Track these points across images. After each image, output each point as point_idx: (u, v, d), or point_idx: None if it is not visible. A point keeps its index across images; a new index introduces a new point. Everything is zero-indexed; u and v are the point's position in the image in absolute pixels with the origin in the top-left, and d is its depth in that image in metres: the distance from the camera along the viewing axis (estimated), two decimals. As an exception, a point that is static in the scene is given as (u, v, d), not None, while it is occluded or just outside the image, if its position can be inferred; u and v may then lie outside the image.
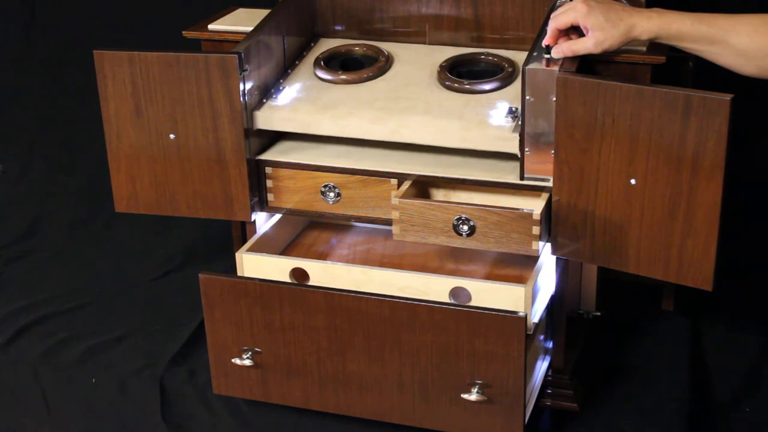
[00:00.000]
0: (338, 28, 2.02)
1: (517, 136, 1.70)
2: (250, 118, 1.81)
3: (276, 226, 1.97)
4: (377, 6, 1.98)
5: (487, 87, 1.82)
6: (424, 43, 1.98)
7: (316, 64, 1.94)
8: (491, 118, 1.75)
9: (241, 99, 1.76)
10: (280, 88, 1.89)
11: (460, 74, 1.87)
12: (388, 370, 1.67)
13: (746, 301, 2.16)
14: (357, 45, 1.99)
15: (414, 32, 1.98)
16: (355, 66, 1.95)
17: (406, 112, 1.80)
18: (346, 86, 1.89)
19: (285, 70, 1.94)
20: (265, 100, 1.86)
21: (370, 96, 1.85)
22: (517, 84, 1.81)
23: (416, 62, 1.93)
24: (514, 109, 1.74)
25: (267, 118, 1.83)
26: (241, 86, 1.76)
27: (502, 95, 1.81)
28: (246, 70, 1.77)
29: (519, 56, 1.87)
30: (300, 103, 1.85)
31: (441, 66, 1.88)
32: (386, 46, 1.97)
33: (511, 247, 1.68)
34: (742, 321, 2.10)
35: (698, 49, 1.63)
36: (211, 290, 1.73)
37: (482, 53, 1.92)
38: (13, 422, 2.02)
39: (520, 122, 1.69)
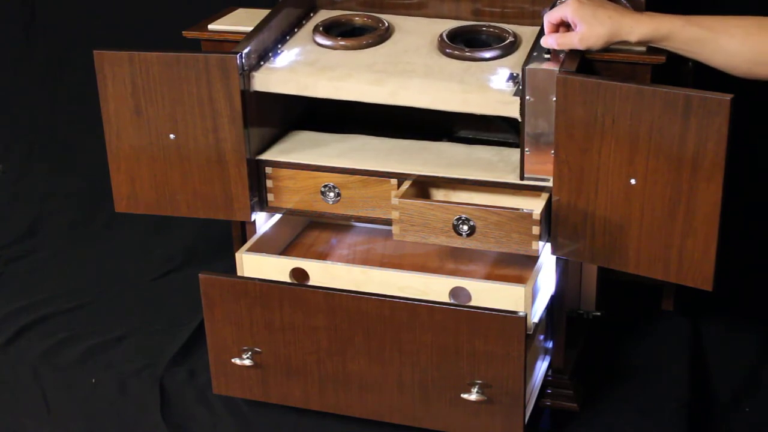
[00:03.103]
0: None
1: (517, 99, 1.68)
2: (248, 81, 1.80)
3: (276, 226, 1.97)
4: None
5: (487, 55, 1.80)
6: (425, 17, 1.98)
7: (316, 30, 1.93)
8: (492, 82, 1.74)
9: (239, 62, 1.75)
10: (279, 51, 1.88)
11: (461, 43, 1.86)
12: (388, 370, 1.67)
13: (746, 301, 2.16)
14: (357, 15, 1.98)
15: (415, 5, 1.97)
16: (355, 34, 1.94)
17: (406, 75, 1.78)
18: (345, 51, 1.88)
19: (284, 37, 1.93)
20: (263, 63, 1.85)
21: (369, 60, 1.84)
22: (518, 54, 1.80)
23: (416, 32, 1.92)
24: (515, 74, 1.73)
25: (264, 80, 1.81)
26: (239, 53, 1.75)
27: (502, 63, 1.79)
28: (246, 70, 1.77)
29: (520, 30, 1.87)
30: (298, 66, 1.84)
31: (441, 35, 1.87)
32: (386, 18, 1.96)
33: (511, 247, 1.68)
34: (742, 321, 2.10)
35: (690, 51, 1.63)
36: (211, 290, 1.73)
37: (483, 25, 1.91)
38: (13, 422, 2.02)
39: (521, 87, 1.68)
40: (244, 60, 1.77)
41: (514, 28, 1.88)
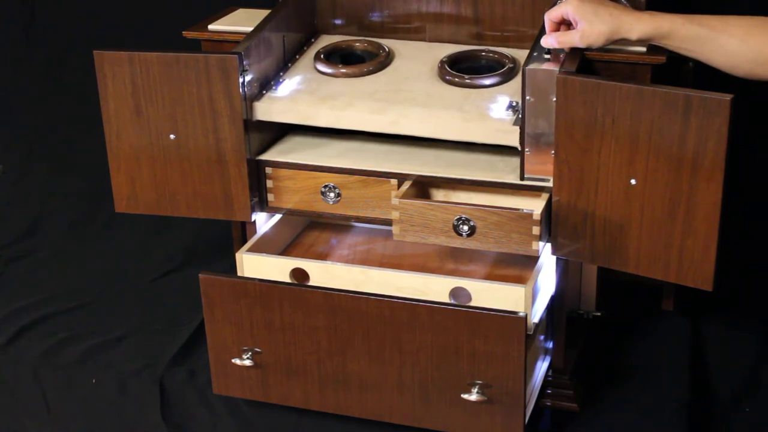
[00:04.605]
0: (338, 22, 2.02)
1: (517, 129, 1.69)
2: (250, 110, 1.81)
3: (276, 226, 1.97)
4: (377, 3, 1.98)
5: (487, 82, 1.82)
6: (424, 41, 1.98)
7: (317, 58, 1.94)
8: (491, 111, 1.75)
9: (241, 91, 1.76)
10: (280, 80, 1.89)
11: (460, 70, 1.87)
12: (388, 370, 1.67)
13: (746, 301, 2.16)
14: (357, 41, 1.99)
15: (414, 29, 1.98)
16: (356, 61, 1.95)
17: (406, 103, 1.80)
18: (346, 79, 1.89)
19: (285, 64, 1.93)
20: (264, 92, 1.85)
21: (370, 88, 1.85)
22: (517, 80, 1.81)
23: (417, 58, 1.93)
24: (514, 103, 1.74)
25: (266, 110, 1.83)
26: (241, 80, 1.76)
27: (502, 90, 1.80)
28: (246, 70, 1.77)
29: (519, 54, 1.87)
30: (299, 95, 1.85)
31: (441, 61, 1.88)
32: (386, 43, 1.97)
33: (511, 248, 1.68)
34: (742, 321, 2.10)
35: (690, 50, 1.63)
36: (211, 290, 1.73)
37: (483, 50, 1.92)
38: (13, 422, 2.02)
39: (520, 116, 1.69)
40: (246, 90, 1.78)
41: (514, 52, 1.89)
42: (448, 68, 1.86)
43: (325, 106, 1.81)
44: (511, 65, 1.84)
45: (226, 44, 1.94)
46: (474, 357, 1.61)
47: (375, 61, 1.91)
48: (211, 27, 1.98)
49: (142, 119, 1.82)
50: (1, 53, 2.74)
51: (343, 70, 1.90)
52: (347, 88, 1.86)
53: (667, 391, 1.87)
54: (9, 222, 2.65)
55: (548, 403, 1.85)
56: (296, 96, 1.85)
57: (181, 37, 1.98)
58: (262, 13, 1.94)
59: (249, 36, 1.83)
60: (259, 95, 1.84)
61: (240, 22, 1.98)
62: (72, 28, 2.65)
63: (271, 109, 1.83)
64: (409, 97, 1.81)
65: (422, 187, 1.81)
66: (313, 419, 1.83)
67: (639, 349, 2.01)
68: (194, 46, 1.95)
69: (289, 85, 1.88)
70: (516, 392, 1.61)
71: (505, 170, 1.77)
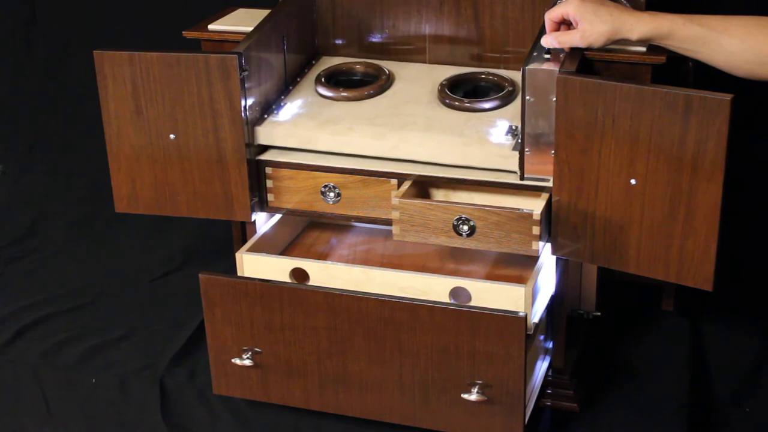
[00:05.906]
0: (339, 42, 2.02)
1: (516, 154, 1.70)
2: (251, 133, 1.82)
3: (276, 226, 1.97)
4: (378, 24, 1.99)
5: (487, 105, 1.82)
6: (425, 62, 1.99)
7: (318, 81, 1.94)
8: (491, 135, 1.76)
9: (243, 115, 1.76)
10: (282, 104, 1.89)
11: (460, 93, 1.88)
12: (388, 370, 1.67)
13: (746, 301, 2.16)
14: (358, 63, 1.99)
15: (415, 50, 1.99)
16: (356, 83, 1.96)
17: (407, 128, 1.80)
18: (346, 103, 1.89)
19: (286, 86, 1.94)
20: (266, 116, 1.86)
21: (370, 112, 1.86)
22: (516, 103, 1.82)
23: (417, 80, 1.94)
24: (513, 127, 1.75)
25: (268, 134, 1.84)
26: (242, 93, 1.76)
27: (501, 114, 1.81)
28: (246, 70, 1.77)
29: (519, 76, 1.87)
30: (301, 119, 1.86)
31: (441, 84, 1.89)
32: (387, 64, 1.98)
33: (511, 248, 1.68)
34: (742, 321, 2.10)
35: (690, 50, 1.63)
36: (211, 290, 1.73)
37: (482, 72, 1.92)
38: (13, 422, 2.02)
39: (519, 140, 1.69)
40: (248, 113, 1.79)
41: (513, 74, 1.89)
42: (448, 92, 1.86)
43: (326, 131, 1.82)
44: (510, 88, 1.85)
45: (226, 44, 1.95)
46: (474, 357, 1.61)
47: (375, 84, 1.92)
48: (211, 27, 1.98)
49: (142, 119, 1.82)
50: (1, 53, 2.74)
51: (344, 94, 1.90)
52: (348, 112, 1.87)
53: (667, 391, 1.88)
54: (9, 222, 2.65)
55: (548, 403, 1.85)
56: (297, 120, 1.85)
57: (181, 37, 1.98)
58: (262, 13, 1.94)
59: (249, 36, 1.83)
60: (260, 119, 1.85)
61: (240, 22, 1.98)
62: (72, 28, 2.65)
63: (272, 133, 1.84)
64: (410, 122, 1.82)
65: (422, 187, 1.81)
66: (313, 419, 1.83)
67: (639, 349, 2.01)
68: (194, 46, 1.95)
69: (291, 109, 1.89)
70: (516, 392, 1.61)
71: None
